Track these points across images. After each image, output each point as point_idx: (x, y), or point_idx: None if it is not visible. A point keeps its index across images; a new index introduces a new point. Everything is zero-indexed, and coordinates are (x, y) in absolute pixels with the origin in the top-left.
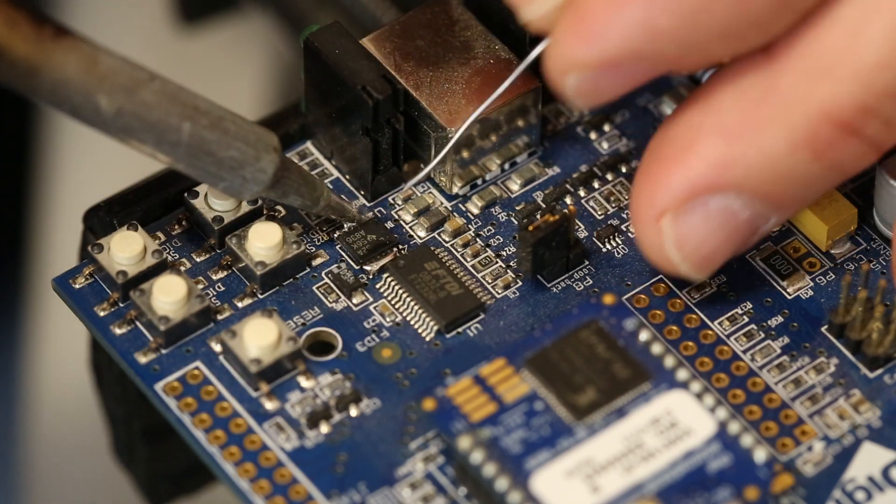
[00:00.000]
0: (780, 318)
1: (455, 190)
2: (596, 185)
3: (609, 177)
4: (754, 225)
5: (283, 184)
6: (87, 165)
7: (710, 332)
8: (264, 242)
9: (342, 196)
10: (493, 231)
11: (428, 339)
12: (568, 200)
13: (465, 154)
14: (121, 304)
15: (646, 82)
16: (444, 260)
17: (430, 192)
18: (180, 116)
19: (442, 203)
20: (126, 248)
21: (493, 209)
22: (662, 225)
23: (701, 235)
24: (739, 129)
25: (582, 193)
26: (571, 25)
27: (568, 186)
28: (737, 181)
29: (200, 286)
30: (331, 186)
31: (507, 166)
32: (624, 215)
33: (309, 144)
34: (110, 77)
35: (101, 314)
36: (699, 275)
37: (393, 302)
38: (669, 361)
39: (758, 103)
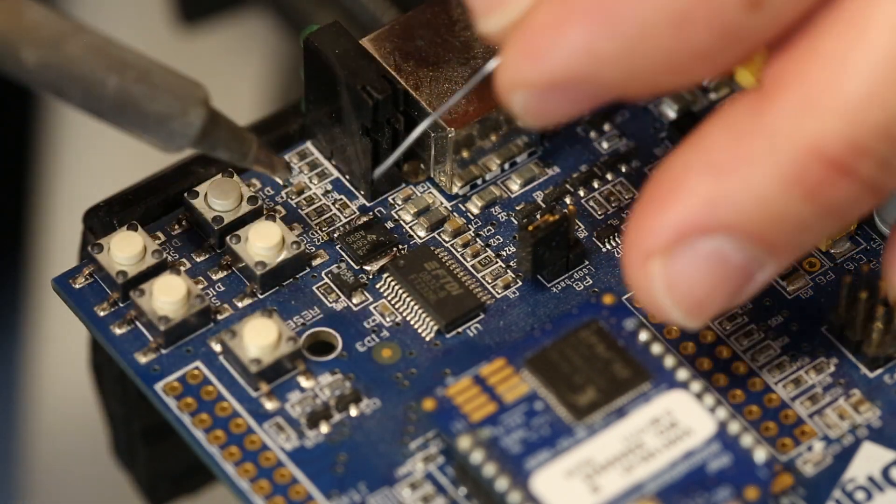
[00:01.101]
0: (780, 318)
1: (455, 190)
2: (596, 185)
3: (609, 177)
4: (749, 271)
5: (211, 137)
6: (87, 165)
7: (709, 332)
8: (264, 242)
9: (272, 153)
10: (493, 231)
11: (428, 339)
12: (568, 200)
13: (465, 154)
14: (121, 304)
15: (595, 107)
16: (444, 260)
17: (430, 192)
18: (106, 70)
19: (442, 203)
20: (126, 248)
21: (493, 209)
22: (651, 268)
23: (691, 279)
24: (728, 165)
25: (582, 193)
26: (517, 44)
27: (568, 186)
28: (726, 221)
29: (200, 286)
30: (260, 140)
31: (507, 166)
32: (624, 215)
33: (309, 144)
34: (34, 30)
35: (101, 314)
36: (692, 322)
37: (393, 302)
38: (669, 361)
39: (746, 139)
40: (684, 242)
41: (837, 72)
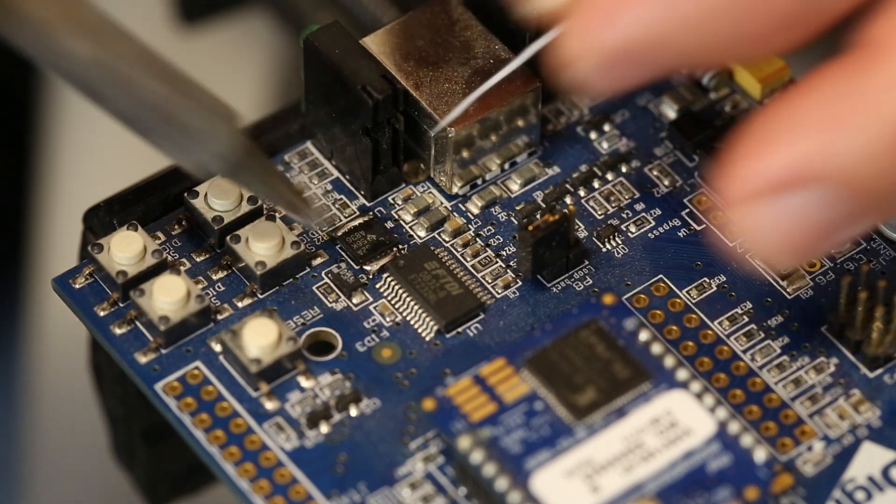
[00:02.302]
0: (780, 318)
1: (455, 190)
2: (596, 184)
3: (609, 176)
4: (852, 224)
5: (247, 166)
6: (87, 165)
7: (709, 331)
8: (264, 242)
9: (304, 198)
10: (493, 231)
11: (428, 339)
12: (568, 200)
13: (465, 154)
14: (121, 304)
15: (658, 77)
16: (444, 260)
17: (430, 192)
18: (155, 77)
19: (442, 203)
20: (126, 248)
21: (493, 209)
22: (757, 208)
23: (794, 226)
24: (840, 118)
25: (582, 193)
26: (594, 8)
27: (568, 186)
28: (837, 170)
29: (200, 286)
30: (294, 185)
31: (507, 166)
32: (624, 215)
33: (309, 144)
34: (89, 24)
35: (101, 314)
36: (787, 265)
37: (393, 302)
38: (669, 361)
39: (857, 95)
40: (794, 187)
41: None
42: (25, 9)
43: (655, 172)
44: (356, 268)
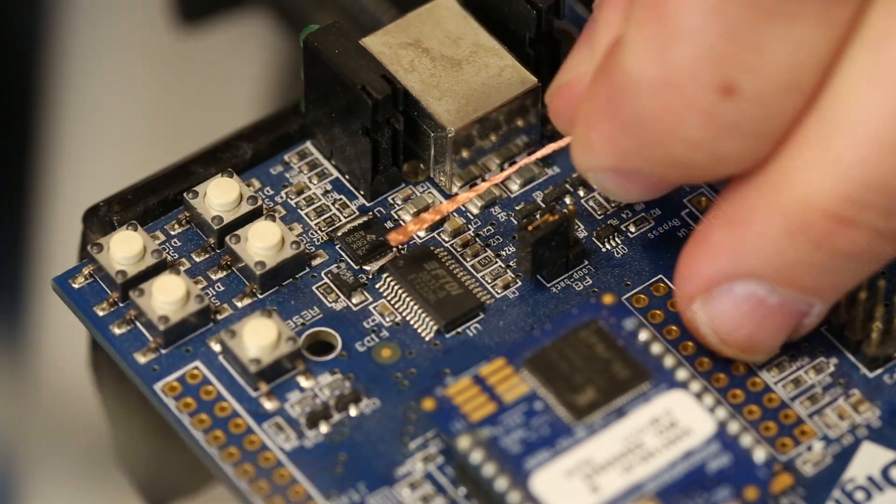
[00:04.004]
0: None
1: (455, 190)
2: None
3: None
4: (794, 310)
5: None
6: (87, 165)
7: None
8: (264, 242)
9: None
10: (493, 231)
11: (427, 338)
12: (568, 200)
13: (465, 154)
14: (120, 304)
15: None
16: (443, 260)
17: (430, 192)
18: None
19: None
20: (125, 248)
21: (492, 209)
22: (695, 310)
23: (732, 319)
24: (742, 217)
25: (582, 193)
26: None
27: (568, 186)
28: (750, 268)
29: (200, 286)
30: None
31: (506, 166)
32: (623, 215)
33: (309, 144)
34: None
35: (101, 314)
36: (750, 357)
37: (392, 302)
38: (669, 361)
39: (756, 192)
40: (720, 287)
41: (831, 131)
42: None
43: None
44: (356, 268)
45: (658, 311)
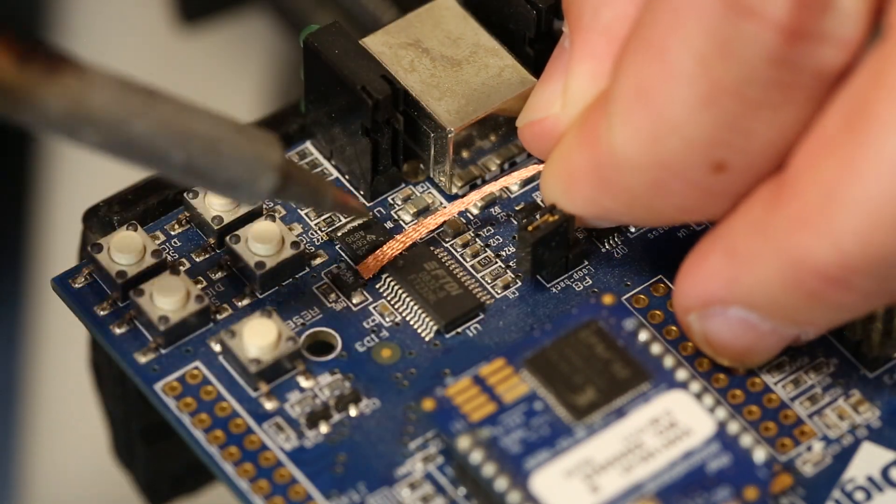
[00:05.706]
0: None
1: (455, 190)
2: None
3: None
4: (785, 335)
5: (285, 194)
6: (86, 165)
7: None
8: (264, 242)
9: (347, 196)
10: (493, 231)
11: (427, 339)
12: None
13: (464, 154)
14: (120, 304)
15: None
16: (443, 260)
17: (430, 193)
18: (172, 146)
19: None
20: (125, 248)
21: (492, 209)
22: (690, 322)
23: (726, 338)
24: (742, 253)
25: None
26: (548, 175)
27: None
28: (743, 299)
29: (200, 286)
30: (336, 188)
31: (506, 166)
32: None
33: (308, 144)
34: (98, 113)
35: (101, 314)
36: (744, 366)
37: (392, 302)
38: (669, 361)
39: (758, 234)
40: (714, 308)
41: (830, 199)
42: (27, 103)
43: None
44: (356, 268)
45: (658, 312)
